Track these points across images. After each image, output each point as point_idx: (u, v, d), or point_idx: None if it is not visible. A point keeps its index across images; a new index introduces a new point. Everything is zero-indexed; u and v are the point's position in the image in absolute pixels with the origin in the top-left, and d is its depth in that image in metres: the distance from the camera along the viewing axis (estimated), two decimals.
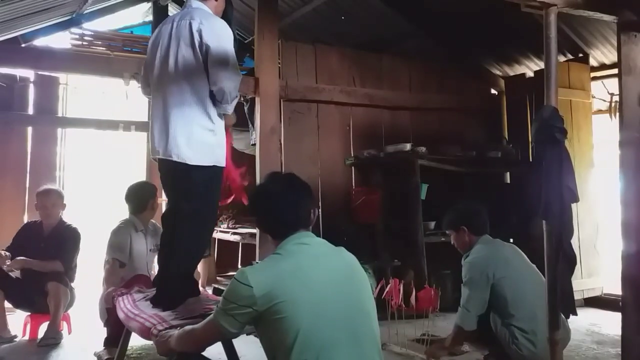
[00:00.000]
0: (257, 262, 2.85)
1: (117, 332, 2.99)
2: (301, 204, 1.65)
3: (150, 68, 2.42)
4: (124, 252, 3.14)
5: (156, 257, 3.09)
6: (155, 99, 2.39)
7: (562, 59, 4.83)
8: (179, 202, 2.31)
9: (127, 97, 5.74)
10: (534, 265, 2.82)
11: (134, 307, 2.38)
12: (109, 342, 3.06)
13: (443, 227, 3.00)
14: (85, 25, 5.14)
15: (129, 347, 2.83)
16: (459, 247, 2.95)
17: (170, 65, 2.28)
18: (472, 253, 2.79)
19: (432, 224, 4.52)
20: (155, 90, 2.38)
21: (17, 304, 3.72)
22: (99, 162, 7.45)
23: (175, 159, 2.23)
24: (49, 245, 3.66)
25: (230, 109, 2.32)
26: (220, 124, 2.33)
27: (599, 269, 4.73)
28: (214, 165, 2.28)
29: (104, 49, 5.15)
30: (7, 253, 3.52)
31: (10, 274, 3.74)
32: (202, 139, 2.24)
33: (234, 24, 2.52)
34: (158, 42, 2.37)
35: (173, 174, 2.31)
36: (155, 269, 3.24)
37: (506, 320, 2.61)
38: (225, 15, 2.46)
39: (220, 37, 2.27)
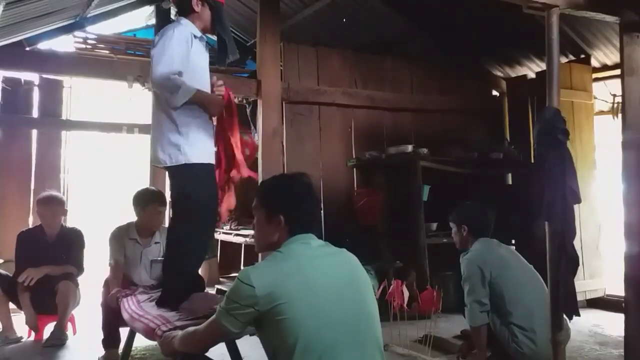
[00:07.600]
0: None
1: (114, 333, 3.04)
2: (319, 208, 1.67)
3: None
4: (121, 256, 3.16)
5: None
6: None
7: (563, 60, 4.82)
8: (173, 204, 2.48)
9: (130, 100, 5.78)
10: (531, 265, 2.84)
11: (139, 308, 2.40)
12: (107, 343, 3.08)
13: (449, 217, 3.04)
14: (89, 28, 5.17)
15: (133, 348, 2.85)
16: (455, 241, 3.02)
17: None
18: (470, 251, 2.83)
19: (434, 225, 4.52)
20: None
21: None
22: (103, 164, 7.48)
23: (157, 164, 2.40)
24: (57, 252, 3.68)
25: (174, 102, 2.25)
26: (186, 122, 2.31)
27: (601, 270, 4.72)
28: (185, 164, 2.31)
29: (107, 52, 5.16)
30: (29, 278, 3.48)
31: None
32: (169, 141, 2.33)
33: (228, 26, 2.54)
34: None
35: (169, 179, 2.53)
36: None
37: (505, 318, 2.61)
38: (216, 18, 2.46)
39: (157, 42, 2.30)
